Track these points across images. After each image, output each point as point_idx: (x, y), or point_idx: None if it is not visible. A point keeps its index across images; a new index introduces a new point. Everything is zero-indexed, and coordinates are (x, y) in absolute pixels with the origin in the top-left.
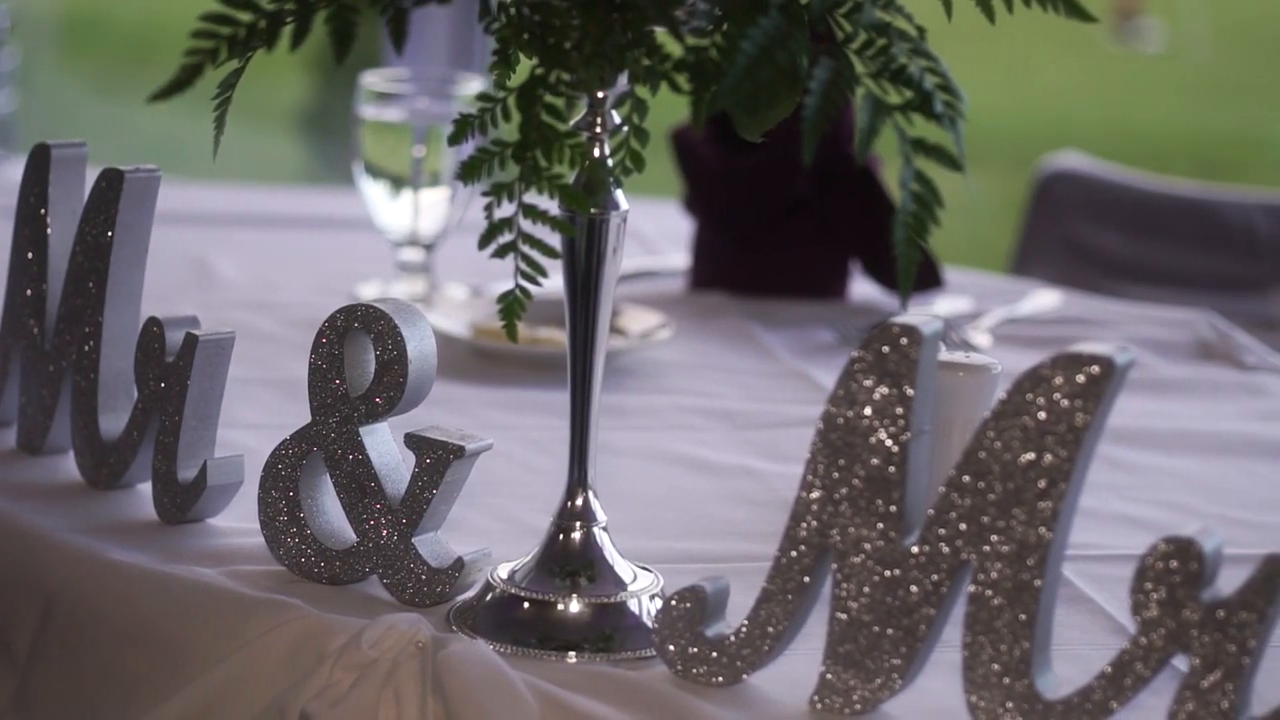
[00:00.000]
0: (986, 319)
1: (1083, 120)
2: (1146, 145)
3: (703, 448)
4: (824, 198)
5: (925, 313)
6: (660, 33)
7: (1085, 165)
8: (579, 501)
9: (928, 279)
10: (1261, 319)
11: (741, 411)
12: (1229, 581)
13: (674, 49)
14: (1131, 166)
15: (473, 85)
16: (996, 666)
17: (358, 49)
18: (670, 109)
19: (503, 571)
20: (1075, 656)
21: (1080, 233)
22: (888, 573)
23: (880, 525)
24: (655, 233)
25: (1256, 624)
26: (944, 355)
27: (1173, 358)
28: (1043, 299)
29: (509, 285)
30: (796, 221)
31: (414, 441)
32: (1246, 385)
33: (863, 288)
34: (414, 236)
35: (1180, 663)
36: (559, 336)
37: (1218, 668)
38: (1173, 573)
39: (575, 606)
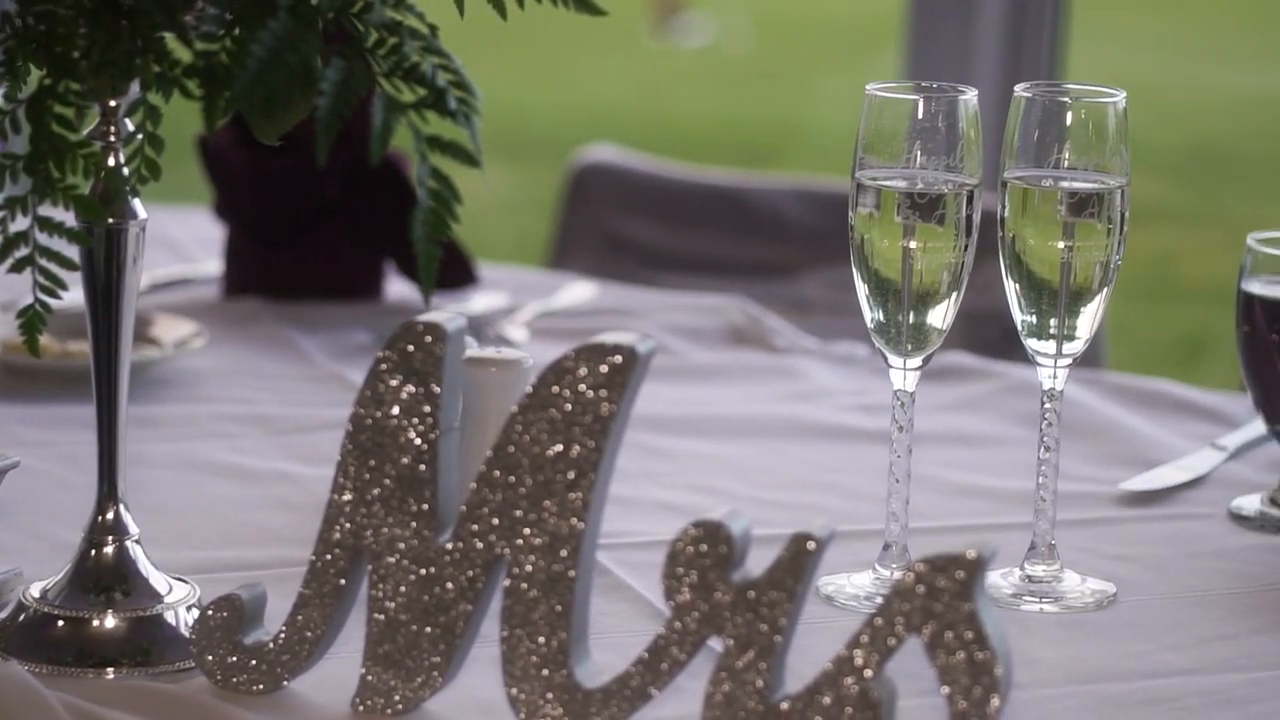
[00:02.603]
0: (522, 313)
1: (626, 115)
2: (689, 136)
3: (239, 454)
4: (353, 198)
5: (453, 309)
6: (170, 38)
7: (617, 157)
8: (110, 515)
9: (460, 275)
10: (793, 302)
11: (277, 416)
12: (763, 562)
13: (185, 54)
14: (674, 158)
15: None
16: (535, 659)
17: None
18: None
19: (35, 590)
20: (615, 644)
21: (614, 224)
22: (423, 571)
23: (413, 524)
24: (187, 239)
25: (786, 602)
26: (474, 351)
27: (706, 344)
28: (578, 291)
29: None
30: (328, 223)
31: None
32: (778, 368)
33: (398, 287)
34: None
35: (716, 644)
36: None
37: (751, 647)
38: (703, 556)
39: (110, 622)
